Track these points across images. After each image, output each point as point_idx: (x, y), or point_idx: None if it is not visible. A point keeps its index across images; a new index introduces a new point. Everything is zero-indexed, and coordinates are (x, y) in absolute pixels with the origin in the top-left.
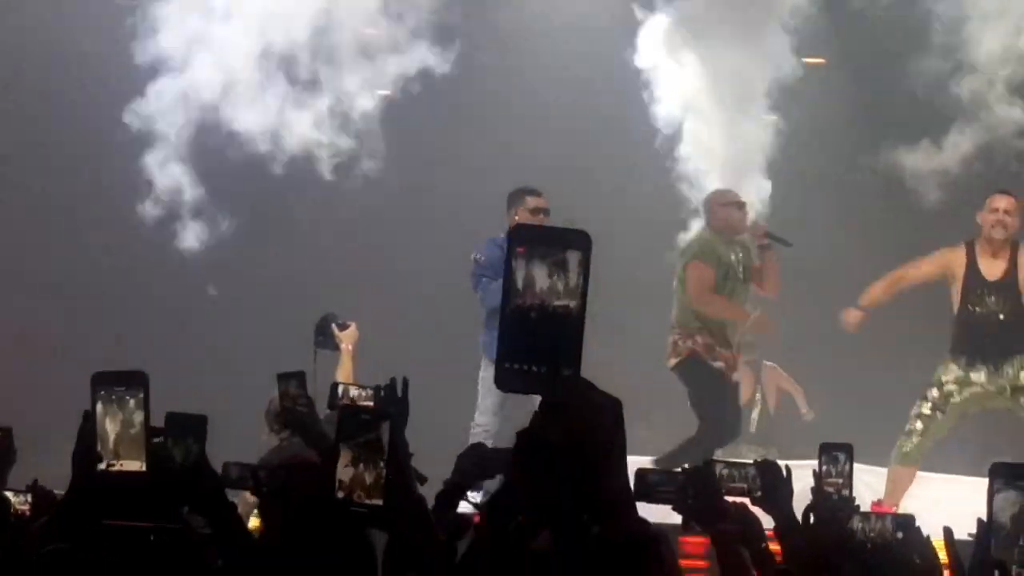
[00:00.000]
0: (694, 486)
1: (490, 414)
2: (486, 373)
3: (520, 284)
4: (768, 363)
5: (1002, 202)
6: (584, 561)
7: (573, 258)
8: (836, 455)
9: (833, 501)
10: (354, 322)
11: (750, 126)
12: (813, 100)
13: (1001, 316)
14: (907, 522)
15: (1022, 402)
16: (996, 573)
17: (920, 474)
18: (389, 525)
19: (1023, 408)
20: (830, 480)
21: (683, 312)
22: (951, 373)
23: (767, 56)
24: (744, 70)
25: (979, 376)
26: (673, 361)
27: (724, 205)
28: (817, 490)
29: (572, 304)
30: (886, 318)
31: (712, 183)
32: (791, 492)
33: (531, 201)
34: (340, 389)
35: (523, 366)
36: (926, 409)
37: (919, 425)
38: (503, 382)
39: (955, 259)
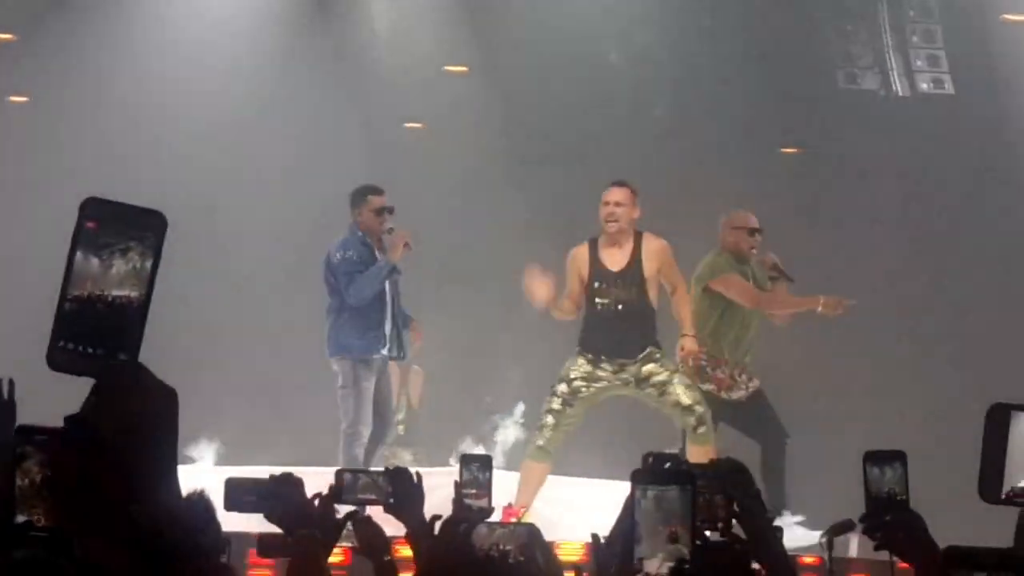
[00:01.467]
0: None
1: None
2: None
3: (85, 262)
4: (415, 367)
5: (614, 195)
6: (135, 565)
7: (144, 241)
8: (474, 465)
9: (471, 512)
10: None
11: None
12: None
13: (623, 307)
14: (530, 531)
15: (647, 392)
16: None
17: (555, 478)
18: (74, 550)
19: (649, 397)
20: (468, 490)
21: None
22: (579, 369)
23: None
24: None
25: (605, 371)
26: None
27: (736, 228)
28: (456, 501)
29: (137, 289)
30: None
31: None
32: (422, 498)
33: (375, 200)
34: None
35: (78, 347)
36: (555, 404)
37: (550, 419)
38: (55, 362)
39: (580, 256)
